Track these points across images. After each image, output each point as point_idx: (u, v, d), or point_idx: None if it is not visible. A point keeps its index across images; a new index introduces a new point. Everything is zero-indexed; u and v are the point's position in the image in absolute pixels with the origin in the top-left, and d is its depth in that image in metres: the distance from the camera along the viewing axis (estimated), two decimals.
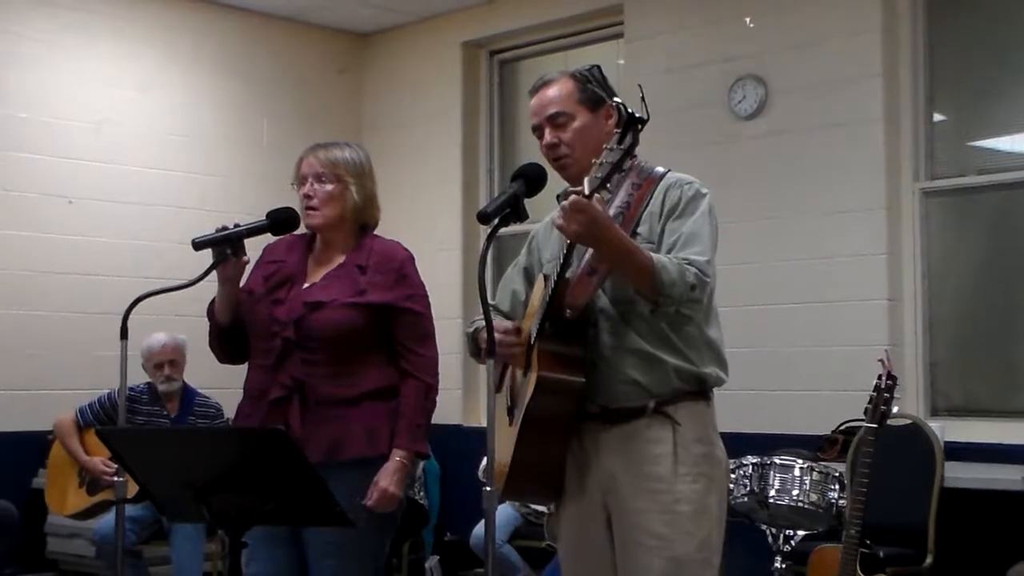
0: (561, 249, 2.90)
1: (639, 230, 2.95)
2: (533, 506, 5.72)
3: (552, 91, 3.04)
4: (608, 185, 2.75)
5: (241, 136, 7.55)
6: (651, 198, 2.96)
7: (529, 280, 3.24)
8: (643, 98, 2.72)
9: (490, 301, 3.17)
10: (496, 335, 2.89)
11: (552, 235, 3.16)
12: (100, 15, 7.00)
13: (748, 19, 6.23)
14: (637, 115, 2.66)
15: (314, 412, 3.42)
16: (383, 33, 8.05)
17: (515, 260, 3.33)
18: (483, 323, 3.12)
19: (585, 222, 2.71)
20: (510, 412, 3.09)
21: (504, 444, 3.01)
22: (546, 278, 3.01)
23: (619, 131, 2.67)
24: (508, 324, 3.03)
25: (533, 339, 2.96)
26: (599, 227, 2.73)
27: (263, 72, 7.66)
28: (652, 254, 2.82)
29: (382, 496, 3.40)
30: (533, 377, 2.90)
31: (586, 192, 2.69)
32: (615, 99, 2.96)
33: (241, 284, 3.61)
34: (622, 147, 2.66)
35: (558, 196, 3.11)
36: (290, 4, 7.52)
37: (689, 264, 2.84)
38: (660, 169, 3.01)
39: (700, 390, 3.00)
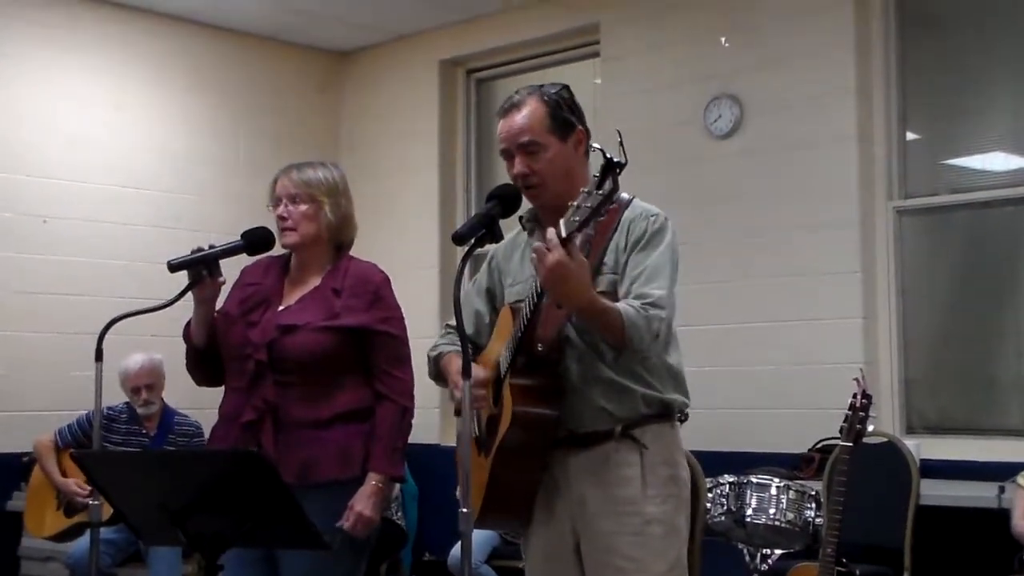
0: (533, 287, 2.87)
1: (605, 260, 2.96)
2: None
3: (522, 117, 3.01)
4: (585, 229, 2.71)
5: (217, 155, 7.53)
6: (616, 228, 2.97)
7: (491, 300, 3.24)
8: (621, 143, 2.70)
9: (451, 323, 3.16)
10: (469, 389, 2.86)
11: (514, 256, 3.17)
12: (75, 32, 6.97)
13: (723, 39, 6.26)
14: (616, 160, 2.64)
15: (287, 434, 3.42)
16: (360, 52, 8.05)
17: (475, 279, 3.32)
18: (446, 348, 3.13)
19: (557, 282, 2.71)
20: (479, 442, 3.09)
21: (476, 475, 3.01)
22: (514, 312, 3.01)
23: (597, 176, 2.64)
24: (480, 376, 2.98)
25: (504, 373, 2.96)
26: (572, 291, 2.73)
27: (240, 91, 7.64)
28: (621, 310, 2.82)
29: (358, 519, 3.40)
30: (507, 412, 2.90)
31: (563, 235, 2.68)
32: (595, 145, 2.93)
33: (218, 305, 3.60)
34: (601, 193, 2.63)
35: (520, 218, 3.12)
36: (267, 22, 7.52)
37: (652, 305, 2.85)
38: (625, 196, 2.99)
39: (665, 413, 3.02)
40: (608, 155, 2.65)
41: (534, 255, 2.74)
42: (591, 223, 2.70)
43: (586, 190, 2.65)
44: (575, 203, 2.66)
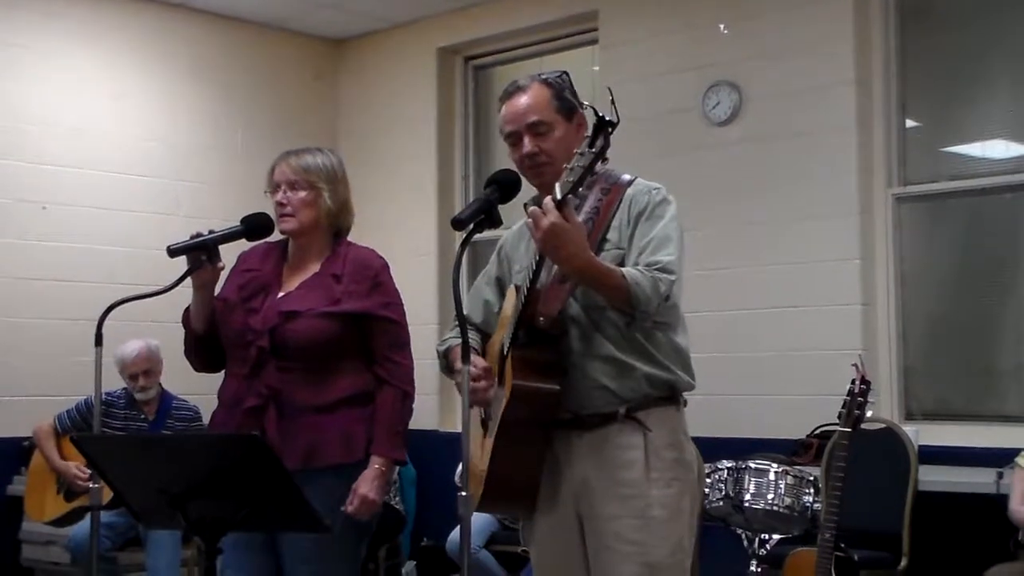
0: (532, 258, 2.89)
1: (609, 236, 2.96)
2: None
3: (527, 98, 3.02)
4: (580, 189, 2.74)
5: (216, 142, 7.52)
6: (619, 205, 2.97)
7: (501, 290, 3.24)
8: (612, 101, 2.70)
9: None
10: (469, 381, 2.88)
11: (521, 245, 3.17)
12: (75, 20, 6.96)
13: (722, 26, 6.25)
14: (607, 118, 2.64)
15: (289, 420, 3.42)
16: (358, 39, 8.04)
17: (484, 270, 3.33)
18: (455, 341, 3.12)
19: (554, 244, 2.72)
20: (484, 424, 3.09)
21: (479, 457, 3.01)
22: (517, 288, 3.01)
23: (589, 135, 2.66)
24: (480, 366, 2.97)
25: (506, 348, 2.96)
26: (569, 254, 2.74)
27: (238, 78, 7.63)
28: (625, 271, 2.82)
29: (362, 502, 3.41)
30: (508, 385, 2.89)
31: (558, 196, 2.69)
32: (585, 103, 2.95)
33: (216, 291, 3.60)
34: (593, 150, 2.65)
35: (525, 205, 3.11)
36: (265, 10, 7.50)
37: (660, 270, 2.84)
38: (627, 176, 3.02)
39: (670, 395, 3.01)
40: (600, 113, 2.65)
41: (530, 220, 2.74)
42: (585, 181, 2.71)
43: (579, 151, 2.66)
44: (568, 165, 2.68)
